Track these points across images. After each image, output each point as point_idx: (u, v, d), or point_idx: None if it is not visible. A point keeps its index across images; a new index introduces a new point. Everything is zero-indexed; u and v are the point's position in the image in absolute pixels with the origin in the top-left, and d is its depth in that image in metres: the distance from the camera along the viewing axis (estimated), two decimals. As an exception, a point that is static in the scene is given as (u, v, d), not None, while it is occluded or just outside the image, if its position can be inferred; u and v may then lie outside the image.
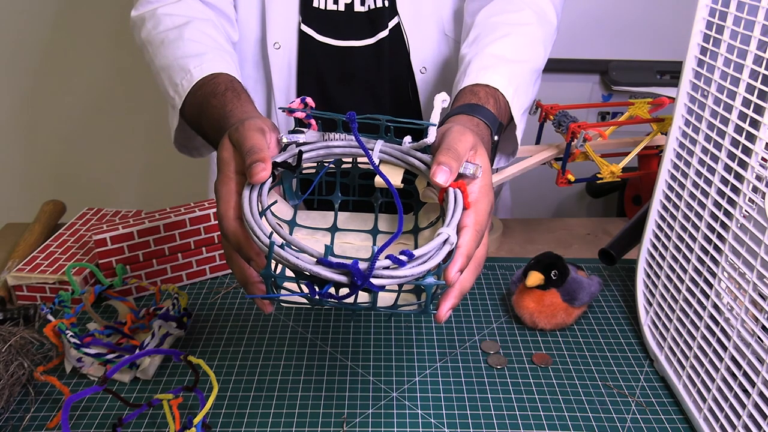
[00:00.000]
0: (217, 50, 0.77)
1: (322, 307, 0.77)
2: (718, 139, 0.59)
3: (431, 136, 0.53)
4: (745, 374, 0.53)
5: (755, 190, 0.53)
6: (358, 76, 0.93)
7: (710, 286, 0.59)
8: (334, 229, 0.61)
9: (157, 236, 0.78)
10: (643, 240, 0.73)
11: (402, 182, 0.55)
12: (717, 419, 0.57)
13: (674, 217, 0.66)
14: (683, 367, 0.63)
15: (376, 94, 0.94)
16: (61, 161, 1.95)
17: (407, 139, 0.56)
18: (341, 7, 0.89)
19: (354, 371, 0.68)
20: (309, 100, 0.56)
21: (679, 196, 0.65)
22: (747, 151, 0.54)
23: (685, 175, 0.65)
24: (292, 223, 0.59)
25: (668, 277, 0.67)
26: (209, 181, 1.05)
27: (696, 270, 0.62)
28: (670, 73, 1.77)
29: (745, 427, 0.53)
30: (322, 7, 0.89)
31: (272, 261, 0.44)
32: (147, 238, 0.78)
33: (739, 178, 0.56)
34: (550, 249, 0.77)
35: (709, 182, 0.60)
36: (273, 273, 0.45)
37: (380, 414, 0.62)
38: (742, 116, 0.55)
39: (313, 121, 0.57)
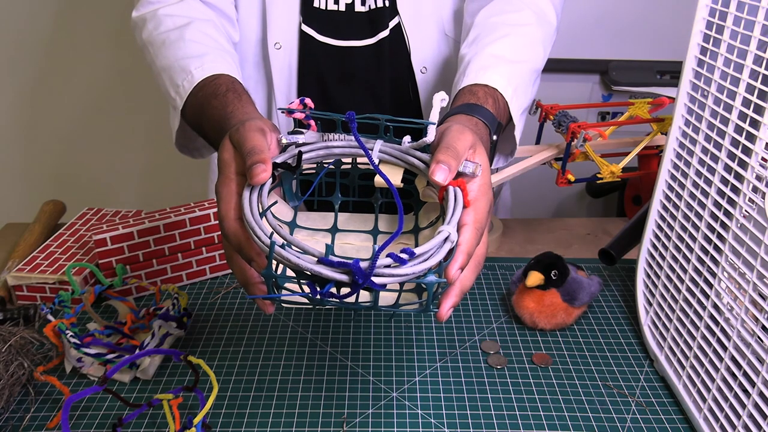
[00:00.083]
0: (218, 51, 0.77)
1: (323, 307, 0.77)
2: (718, 139, 0.59)
3: (431, 135, 0.53)
4: (745, 374, 0.53)
5: (755, 190, 0.53)
6: (359, 76, 0.93)
7: (710, 286, 0.59)
8: (334, 230, 0.61)
9: (157, 236, 0.78)
10: (643, 240, 0.73)
11: (402, 182, 0.55)
12: (717, 419, 0.57)
13: (674, 217, 0.66)
14: (683, 367, 0.63)
15: (376, 94, 0.94)
16: (61, 161, 1.95)
17: (407, 138, 0.56)
18: (342, 7, 0.89)
19: (354, 371, 0.68)
20: (308, 100, 0.56)
21: (679, 196, 0.65)
22: (747, 151, 0.54)
23: (685, 175, 0.65)
24: (292, 225, 0.59)
25: (668, 277, 0.67)
26: (209, 182, 1.05)
27: (696, 270, 0.62)
28: (670, 73, 1.77)
29: (745, 427, 0.53)
30: (323, 7, 0.89)
31: (273, 261, 0.44)
32: (147, 238, 0.78)
33: (739, 178, 0.56)
34: (550, 249, 0.77)
35: (709, 182, 0.60)
36: (274, 273, 0.45)
37: (380, 414, 0.62)
38: (742, 116, 0.55)
39: (312, 122, 0.57)
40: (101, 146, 1.93)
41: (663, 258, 0.68)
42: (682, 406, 0.63)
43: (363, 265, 0.42)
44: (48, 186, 1.98)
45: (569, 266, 0.74)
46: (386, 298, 0.52)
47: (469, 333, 0.74)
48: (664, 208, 0.69)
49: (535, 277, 0.72)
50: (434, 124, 0.54)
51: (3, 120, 1.89)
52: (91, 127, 1.90)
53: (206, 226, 0.80)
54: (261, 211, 0.49)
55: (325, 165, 0.59)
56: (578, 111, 0.96)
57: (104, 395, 0.64)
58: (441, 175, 0.49)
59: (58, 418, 0.56)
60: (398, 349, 0.71)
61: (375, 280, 0.42)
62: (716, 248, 0.59)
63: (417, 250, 0.44)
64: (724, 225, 0.58)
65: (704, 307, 0.60)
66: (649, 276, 0.72)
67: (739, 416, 0.54)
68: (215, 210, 0.80)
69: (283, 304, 0.53)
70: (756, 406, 0.52)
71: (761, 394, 0.51)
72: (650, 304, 0.71)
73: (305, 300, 0.48)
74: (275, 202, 0.58)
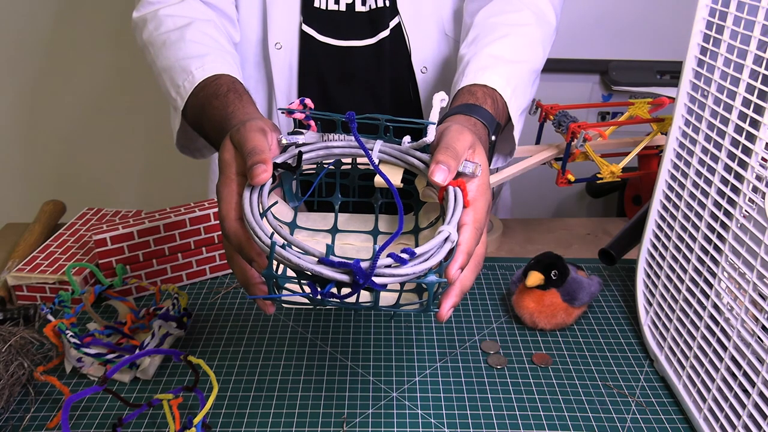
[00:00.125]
0: (218, 51, 0.77)
1: (323, 308, 0.77)
2: (718, 139, 0.59)
3: (430, 135, 0.53)
4: (745, 374, 0.53)
5: (755, 190, 0.53)
6: (359, 76, 0.93)
7: (710, 286, 0.59)
8: (334, 231, 0.61)
9: (157, 236, 0.78)
10: (643, 240, 0.73)
11: (402, 182, 0.55)
12: (717, 419, 0.57)
13: (674, 217, 0.66)
14: (683, 367, 0.63)
15: (376, 94, 0.94)
16: (61, 161, 1.95)
17: (406, 139, 0.56)
18: (342, 7, 0.89)
19: (354, 371, 0.68)
20: (308, 101, 0.56)
21: (679, 196, 0.65)
22: (747, 151, 0.54)
23: (685, 175, 0.65)
24: (292, 225, 0.59)
25: (668, 277, 0.67)
26: (209, 182, 1.06)
27: (696, 270, 0.62)
28: (670, 73, 1.77)
29: (745, 427, 0.53)
30: (323, 7, 0.89)
31: (274, 261, 0.44)
32: (147, 238, 0.78)
33: (739, 178, 0.56)
34: (550, 249, 0.77)
35: (709, 182, 0.60)
36: (275, 273, 0.45)
37: (380, 414, 0.62)
38: (742, 116, 0.55)
39: (312, 122, 0.57)
40: (101, 146, 1.93)
41: (663, 258, 0.68)
42: (682, 406, 0.63)
43: (364, 265, 0.42)
44: (48, 186, 1.98)
45: (569, 266, 0.74)
46: (386, 299, 0.52)
47: (469, 333, 0.74)
48: (664, 208, 0.69)
49: (535, 277, 0.72)
50: (434, 124, 0.54)
51: (3, 120, 1.89)
52: (91, 127, 1.90)
53: (206, 226, 0.80)
54: (261, 211, 0.49)
55: (325, 165, 0.59)
56: (578, 111, 0.96)
57: (104, 395, 0.64)
58: (441, 175, 0.49)
59: (58, 418, 0.56)
60: (398, 349, 0.71)
61: (376, 280, 0.42)
62: (716, 248, 0.59)
63: (417, 250, 0.44)
64: (724, 225, 0.58)
65: (704, 307, 0.60)
66: (649, 276, 0.72)
67: (739, 416, 0.54)
68: (215, 210, 0.80)
69: (283, 305, 0.53)
70: (756, 406, 0.52)
71: (761, 394, 0.51)
72: (650, 304, 0.71)
73: (306, 300, 0.48)
74: (276, 203, 0.58)
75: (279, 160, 0.52)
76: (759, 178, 0.53)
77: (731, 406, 0.55)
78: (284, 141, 0.55)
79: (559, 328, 0.74)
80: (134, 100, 1.84)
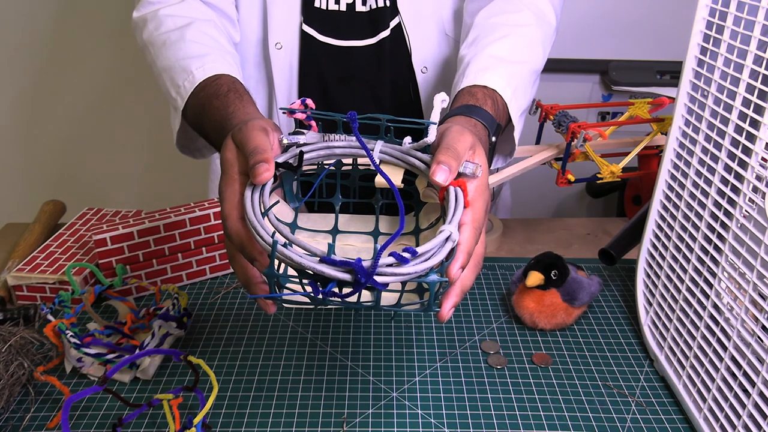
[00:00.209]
0: (219, 51, 0.77)
1: (324, 307, 0.77)
2: (718, 139, 0.59)
3: (431, 135, 0.53)
4: (745, 374, 0.53)
5: (755, 190, 0.53)
6: (360, 76, 0.93)
7: (710, 286, 0.59)
8: (335, 231, 0.61)
9: (157, 236, 0.78)
10: (643, 240, 0.73)
11: (402, 182, 0.55)
12: (717, 419, 0.57)
13: (674, 217, 0.66)
14: (683, 367, 0.63)
15: (377, 94, 0.94)
16: (61, 161, 1.95)
17: (407, 139, 0.56)
18: (342, 7, 0.89)
19: (354, 371, 0.68)
20: (309, 101, 0.56)
21: (679, 196, 0.65)
22: (747, 151, 0.54)
23: (685, 175, 0.65)
24: (293, 226, 0.59)
25: (668, 277, 0.67)
26: (209, 182, 1.06)
27: (696, 270, 0.62)
28: (670, 73, 1.77)
29: (745, 427, 0.53)
30: (324, 7, 0.89)
31: (275, 260, 0.44)
32: (147, 238, 0.78)
33: (739, 178, 0.56)
34: (550, 249, 0.77)
35: (709, 182, 0.60)
36: (276, 272, 0.45)
37: (380, 414, 0.62)
38: (742, 116, 0.55)
39: (313, 123, 0.57)
40: (101, 146, 1.93)
41: (663, 258, 0.68)
42: (682, 406, 0.63)
43: (365, 264, 0.42)
44: (48, 186, 1.98)
45: (569, 266, 0.74)
46: (387, 299, 0.52)
47: (469, 333, 0.74)
48: (664, 208, 0.69)
49: (535, 277, 0.72)
50: (435, 124, 0.54)
51: (3, 120, 1.89)
52: (91, 127, 1.90)
53: (206, 226, 0.80)
54: (263, 210, 0.49)
55: (326, 166, 0.59)
56: (578, 111, 0.96)
57: (104, 395, 0.64)
58: (442, 175, 0.49)
59: (58, 418, 0.56)
60: (398, 349, 0.71)
61: (377, 279, 0.42)
62: (716, 248, 0.59)
63: (419, 249, 0.44)
64: (724, 225, 0.58)
65: (704, 307, 0.60)
66: (649, 276, 0.72)
67: (739, 416, 0.54)
68: (215, 210, 0.80)
69: (284, 304, 0.53)
70: (756, 406, 0.52)
71: (761, 394, 0.51)
72: (650, 304, 0.71)
73: (307, 300, 0.48)
74: (277, 202, 0.58)
75: (280, 160, 0.52)
76: (759, 178, 0.53)
77: (731, 406, 0.55)
78: (285, 141, 0.55)
79: (559, 328, 0.74)
80: (134, 100, 1.84)
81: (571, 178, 0.88)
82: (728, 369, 0.56)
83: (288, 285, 0.48)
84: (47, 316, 0.68)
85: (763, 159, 0.52)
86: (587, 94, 1.83)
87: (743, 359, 0.54)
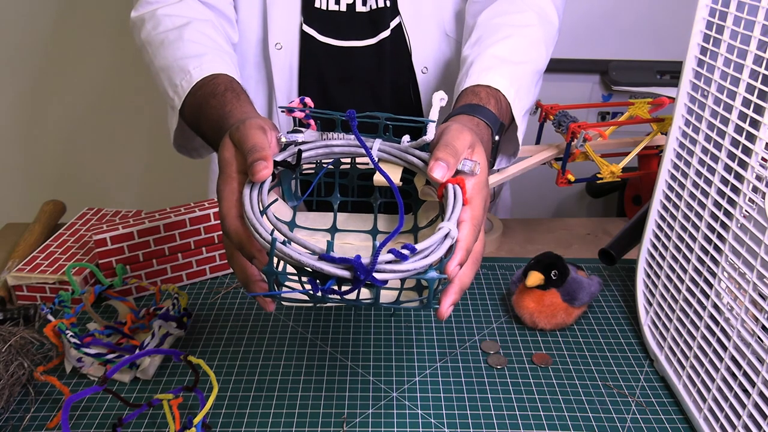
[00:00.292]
0: (216, 51, 0.77)
1: (323, 305, 0.77)
2: (718, 139, 0.59)
3: (430, 134, 0.53)
4: (745, 374, 0.53)
5: (755, 190, 0.53)
6: (360, 77, 0.93)
7: (710, 286, 0.59)
8: (333, 230, 0.61)
9: (157, 236, 0.78)
10: (643, 240, 0.73)
11: (400, 181, 0.55)
12: (717, 419, 0.57)
13: (674, 217, 0.66)
14: (683, 367, 0.63)
15: (377, 95, 0.94)
16: (61, 161, 1.95)
17: (406, 138, 0.56)
18: (343, 8, 0.89)
19: (354, 371, 0.68)
20: (308, 100, 0.56)
21: (679, 196, 0.65)
22: (747, 151, 0.54)
23: (685, 175, 0.65)
24: (291, 224, 0.59)
25: (668, 277, 0.67)
26: (209, 181, 1.06)
27: (696, 270, 0.62)
28: (670, 73, 1.77)
29: (745, 427, 0.53)
30: (324, 7, 0.89)
31: (274, 258, 0.44)
32: (147, 238, 0.78)
33: (739, 178, 0.56)
34: (550, 249, 0.77)
35: (709, 182, 0.60)
36: (275, 270, 0.45)
37: (380, 414, 0.62)
38: (742, 116, 0.55)
39: (312, 121, 0.57)
40: (101, 146, 1.93)
41: (663, 258, 0.68)
42: (682, 406, 0.63)
43: (364, 260, 0.42)
44: (48, 186, 1.98)
45: (569, 266, 0.74)
46: (386, 296, 0.52)
47: (469, 333, 0.74)
48: (664, 208, 0.69)
49: (535, 277, 0.72)
50: (434, 122, 0.54)
51: (3, 120, 1.89)
52: (91, 127, 1.90)
53: (206, 226, 0.80)
54: (261, 209, 0.49)
55: (324, 165, 0.59)
56: (578, 111, 0.96)
57: (104, 395, 0.64)
58: (439, 171, 0.49)
59: (58, 418, 0.56)
60: (398, 349, 0.71)
61: (376, 275, 0.42)
62: (716, 248, 0.59)
63: (418, 246, 0.44)
64: (724, 225, 0.58)
65: (704, 307, 0.60)
66: (649, 276, 0.72)
67: (739, 416, 0.54)
68: (215, 210, 0.80)
69: (283, 302, 0.53)
70: (756, 406, 0.52)
71: (761, 394, 0.51)
72: (650, 304, 0.71)
73: (306, 297, 0.48)
74: (276, 200, 0.58)
75: (279, 158, 0.52)
76: (759, 178, 0.53)
77: (731, 406, 0.55)
78: (283, 139, 0.55)
79: (559, 328, 0.74)
80: (134, 100, 1.84)
81: (571, 178, 0.88)
82: (728, 369, 0.56)
83: (287, 283, 0.48)
84: (47, 316, 0.68)
85: (763, 159, 0.52)
86: (587, 94, 1.83)
87: (743, 359, 0.54)
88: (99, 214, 0.93)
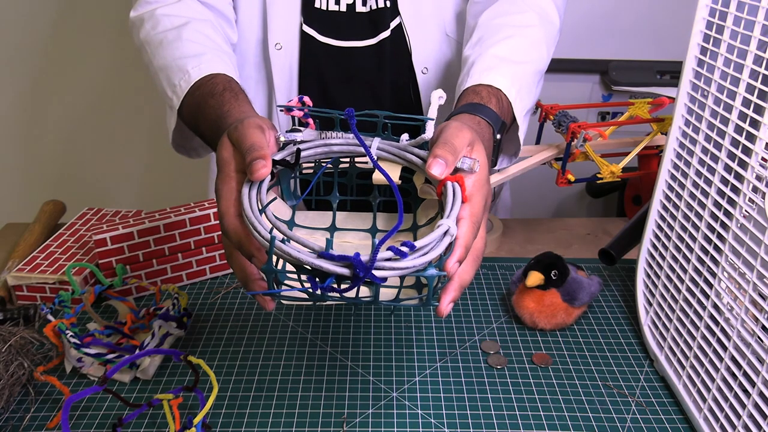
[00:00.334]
0: (215, 51, 0.77)
1: (323, 303, 0.77)
2: (718, 139, 0.59)
3: (429, 132, 0.53)
4: (745, 374, 0.53)
5: (755, 190, 0.53)
6: (360, 77, 0.93)
7: (710, 286, 0.59)
8: (332, 229, 0.61)
9: (157, 236, 0.78)
10: (643, 240, 0.73)
11: (399, 179, 0.55)
12: (717, 419, 0.57)
13: (674, 217, 0.66)
14: (683, 367, 0.63)
15: (377, 95, 0.94)
16: (61, 161, 1.95)
17: (404, 136, 0.56)
18: (343, 8, 0.89)
19: (354, 371, 0.68)
20: (306, 99, 0.56)
21: (679, 196, 0.65)
22: (747, 151, 0.54)
23: (685, 175, 0.65)
24: (290, 223, 0.59)
25: (668, 277, 0.67)
26: (209, 181, 1.05)
27: (696, 270, 0.62)
28: (670, 73, 1.77)
29: (745, 427, 0.53)
30: (324, 7, 0.89)
31: (273, 256, 0.44)
32: (147, 238, 0.78)
33: (739, 178, 0.56)
34: (550, 249, 0.77)
35: (709, 182, 0.60)
36: (274, 268, 0.45)
37: (380, 414, 0.62)
38: (742, 116, 0.55)
39: (310, 120, 0.57)
40: (101, 146, 1.93)
41: (663, 258, 0.68)
42: (682, 406, 0.63)
43: (364, 258, 0.42)
44: (48, 186, 1.98)
45: (569, 266, 0.74)
46: (386, 293, 0.52)
47: (469, 333, 0.74)
48: (664, 208, 0.69)
49: (535, 277, 0.72)
50: (433, 120, 0.54)
51: (3, 120, 1.89)
52: (91, 127, 1.90)
53: (206, 226, 0.80)
54: (260, 207, 0.49)
55: (323, 164, 0.59)
56: (578, 111, 0.96)
57: (104, 395, 0.64)
58: (438, 168, 0.49)
59: (58, 418, 0.56)
60: (398, 349, 0.71)
61: (376, 273, 0.42)
62: (716, 248, 0.59)
63: (417, 243, 0.44)
64: (724, 225, 0.58)
65: (704, 307, 0.60)
66: (649, 276, 0.72)
67: (739, 416, 0.54)
68: (215, 210, 0.80)
69: (283, 301, 0.53)
70: (756, 406, 0.52)
71: (761, 394, 0.51)
72: (650, 304, 0.71)
73: (305, 296, 0.48)
74: (274, 199, 0.58)
75: (277, 158, 0.52)
76: (759, 178, 0.53)
77: (731, 406, 0.55)
78: (282, 138, 0.55)
79: (559, 328, 0.74)
80: (134, 100, 1.84)
81: (571, 178, 0.88)
82: (728, 369, 0.56)
83: (286, 281, 0.48)
84: (47, 316, 0.68)
85: (763, 159, 0.52)
86: (587, 94, 1.83)
87: (743, 359, 0.53)
88: (99, 214, 0.93)
